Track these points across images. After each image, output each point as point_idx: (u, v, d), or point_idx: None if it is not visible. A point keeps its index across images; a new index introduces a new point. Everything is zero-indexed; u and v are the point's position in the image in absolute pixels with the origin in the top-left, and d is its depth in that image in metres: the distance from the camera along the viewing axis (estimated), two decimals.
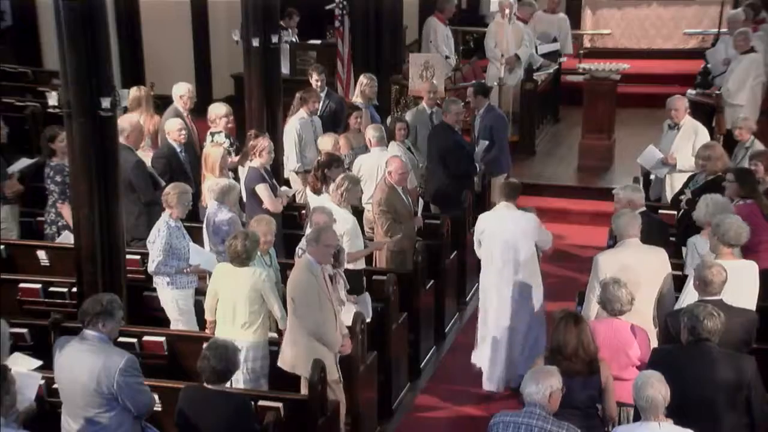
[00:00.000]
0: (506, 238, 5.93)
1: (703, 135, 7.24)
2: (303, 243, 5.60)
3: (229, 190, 6.18)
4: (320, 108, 8.37)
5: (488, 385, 6.15)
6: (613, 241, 5.62)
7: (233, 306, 5.28)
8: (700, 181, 6.43)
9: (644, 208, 5.70)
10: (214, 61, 12.13)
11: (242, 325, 5.27)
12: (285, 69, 9.80)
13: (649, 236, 5.26)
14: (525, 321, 6.03)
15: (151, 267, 5.82)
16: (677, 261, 5.70)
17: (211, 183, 6.37)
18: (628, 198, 5.75)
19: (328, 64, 9.36)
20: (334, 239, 5.19)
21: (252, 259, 5.32)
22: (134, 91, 7.79)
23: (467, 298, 7.61)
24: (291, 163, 7.84)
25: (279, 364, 5.18)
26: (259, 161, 6.74)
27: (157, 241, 5.80)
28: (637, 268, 5.03)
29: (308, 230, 6.05)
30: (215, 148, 6.84)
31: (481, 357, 6.21)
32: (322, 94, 8.46)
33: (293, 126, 7.86)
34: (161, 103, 8.38)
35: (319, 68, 8.55)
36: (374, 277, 6.18)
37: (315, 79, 8.43)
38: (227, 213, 6.12)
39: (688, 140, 7.19)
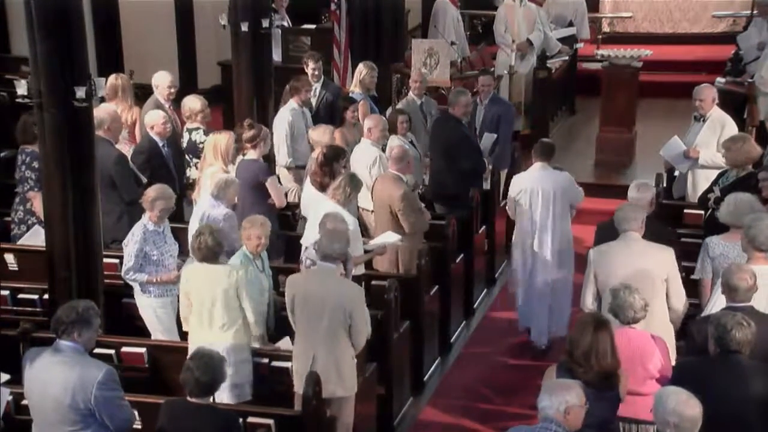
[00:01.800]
0: (544, 197, 6.62)
1: (731, 128, 7.21)
2: (311, 252, 5.51)
3: (228, 185, 6.16)
4: (316, 100, 8.37)
5: (538, 340, 6.90)
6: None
7: (209, 307, 5.27)
8: (730, 178, 6.42)
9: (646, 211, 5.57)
10: (199, 48, 12.13)
11: (221, 326, 5.26)
12: (276, 56, 9.79)
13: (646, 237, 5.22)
14: (561, 279, 6.75)
15: (123, 271, 5.84)
16: (688, 264, 5.66)
17: (215, 170, 6.32)
18: (631, 197, 5.77)
19: (324, 51, 9.38)
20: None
21: (222, 252, 5.32)
22: (111, 80, 7.78)
23: (475, 305, 7.62)
24: (282, 157, 7.83)
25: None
26: (259, 152, 6.76)
27: (130, 245, 5.81)
28: (633, 266, 5.02)
29: (307, 232, 6.07)
30: (223, 135, 6.77)
31: (528, 316, 6.93)
32: (318, 84, 8.44)
33: (284, 117, 7.83)
34: (141, 93, 8.40)
35: (316, 56, 8.53)
36: (373, 282, 6.18)
37: (311, 68, 8.41)
38: (224, 209, 6.10)
39: (714, 134, 7.17)
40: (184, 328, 5.50)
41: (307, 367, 5.04)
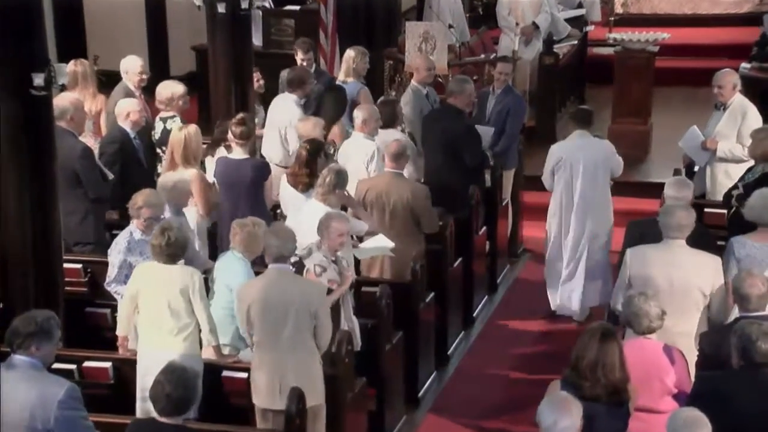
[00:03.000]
0: (586, 166, 7.02)
1: (753, 117, 7.19)
2: (319, 258, 5.52)
3: (178, 188, 6.20)
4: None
5: (578, 315, 7.37)
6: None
7: (160, 309, 5.27)
8: (756, 173, 6.41)
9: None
10: (171, 31, 12.10)
11: (170, 331, 5.26)
12: (257, 40, 9.77)
13: (693, 246, 5.23)
14: (602, 250, 7.18)
15: (106, 282, 5.85)
16: None
17: (165, 178, 6.37)
18: (669, 196, 5.77)
19: (309, 34, 9.36)
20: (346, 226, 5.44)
21: (182, 256, 5.32)
22: (73, 66, 7.76)
23: (475, 314, 7.61)
24: (279, 156, 7.80)
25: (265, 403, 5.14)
26: (249, 149, 6.79)
27: (113, 254, 5.82)
28: (674, 276, 5.05)
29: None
30: (190, 131, 6.75)
31: (562, 294, 7.36)
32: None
33: (286, 111, 7.77)
34: (107, 80, 8.37)
35: (305, 45, 8.50)
36: (364, 288, 6.18)
37: (300, 59, 8.40)
38: (168, 213, 6.10)
39: (734, 123, 7.17)
40: (119, 332, 5.50)
41: (275, 380, 5.08)
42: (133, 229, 5.82)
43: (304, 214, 6.16)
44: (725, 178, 7.13)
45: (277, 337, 5.09)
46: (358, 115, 7.29)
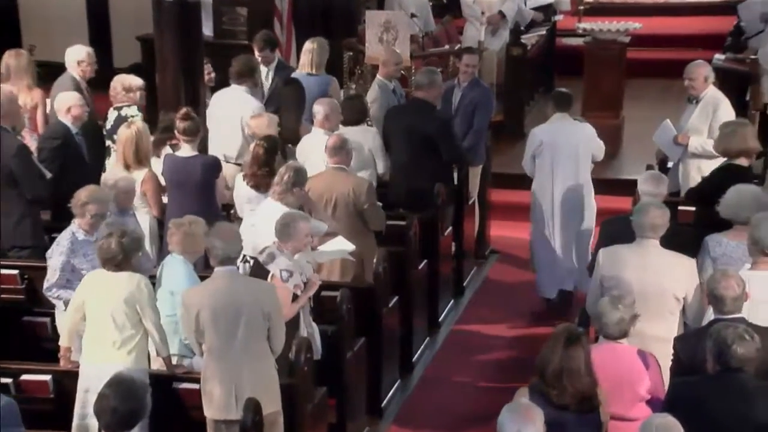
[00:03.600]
0: (569, 149, 7.25)
1: (725, 111, 7.27)
2: (282, 261, 5.50)
3: (122, 186, 6.16)
4: (268, 85, 8.35)
5: (546, 292, 7.67)
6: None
7: (103, 320, 5.22)
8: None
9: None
10: (114, 19, 11.98)
11: (113, 343, 5.21)
12: (207, 30, 9.72)
13: (666, 244, 5.28)
14: (585, 233, 7.39)
15: (45, 287, 5.76)
16: None
17: (108, 176, 6.30)
18: (644, 191, 5.83)
19: (263, 24, 9.32)
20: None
21: (130, 261, 5.28)
22: (8, 57, 7.70)
23: (441, 319, 7.63)
24: (231, 152, 7.75)
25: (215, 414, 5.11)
26: (195, 146, 6.74)
27: (54, 256, 5.73)
28: (646, 279, 5.09)
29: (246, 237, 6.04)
30: (140, 127, 6.69)
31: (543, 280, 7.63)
32: (271, 67, 8.42)
33: (241, 105, 7.74)
34: (44, 72, 8.26)
35: (261, 42, 8.45)
36: (323, 293, 6.16)
37: (262, 55, 8.38)
38: (114, 216, 6.06)
39: (706, 117, 7.26)
40: (61, 342, 5.44)
41: (229, 389, 5.06)
42: (76, 229, 5.75)
43: (259, 214, 6.13)
44: (698, 174, 7.21)
45: (229, 343, 5.08)
46: (320, 109, 7.26)
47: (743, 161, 6.40)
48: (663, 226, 5.23)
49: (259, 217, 6.08)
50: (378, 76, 8.43)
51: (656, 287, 5.11)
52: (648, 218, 5.21)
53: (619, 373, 4.54)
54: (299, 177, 6.17)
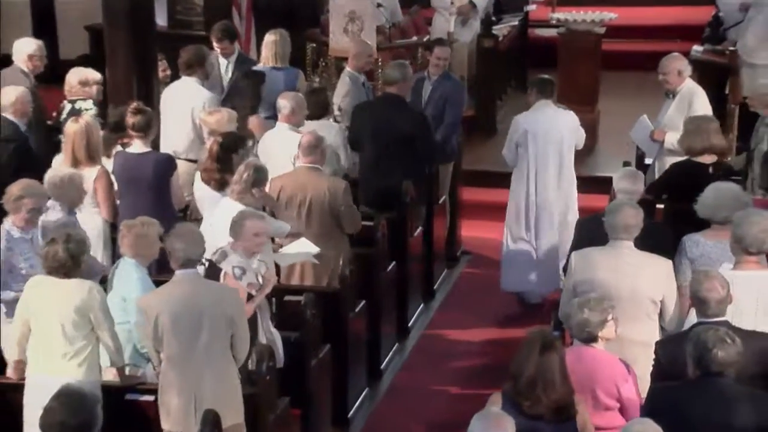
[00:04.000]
0: (554, 138, 7.41)
1: (699, 106, 7.34)
2: (234, 259, 5.51)
3: (67, 184, 6.08)
4: (229, 79, 8.32)
5: (533, 297, 7.80)
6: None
7: (51, 331, 5.16)
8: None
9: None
10: (59, 8, 11.84)
11: (63, 355, 5.16)
12: (161, 20, 9.66)
13: (642, 245, 5.33)
14: (570, 225, 7.34)
15: None
16: None
17: (54, 173, 6.23)
18: (620, 189, 5.88)
19: (221, 14, 9.27)
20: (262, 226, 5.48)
21: (79, 268, 5.24)
22: None
23: (410, 324, 7.65)
24: (184, 147, 7.72)
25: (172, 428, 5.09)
26: (148, 142, 6.71)
27: None
28: (620, 282, 5.11)
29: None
30: (89, 121, 6.64)
31: (516, 277, 7.69)
32: (231, 59, 8.40)
33: (192, 97, 7.72)
34: None
35: (218, 33, 8.42)
36: (286, 297, 6.16)
37: (221, 46, 8.35)
38: (59, 214, 6.01)
39: (681, 112, 7.33)
40: (10, 357, 5.38)
41: (189, 399, 5.04)
42: (10, 227, 5.69)
43: (217, 214, 6.11)
44: None
45: (190, 351, 5.06)
46: (285, 104, 7.24)
47: (707, 159, 6.49)
48: (636, 227, 5.26)
49: (217, 218, 6.05)
50: (348, 68, 8.43)
51: (631, 290, 5.15)
52: (621, 219, 5.24)
53: (580, 378, 4.56)
54: (259, 176, 6.15)
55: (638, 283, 5.17)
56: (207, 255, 5.82)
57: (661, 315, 5.26)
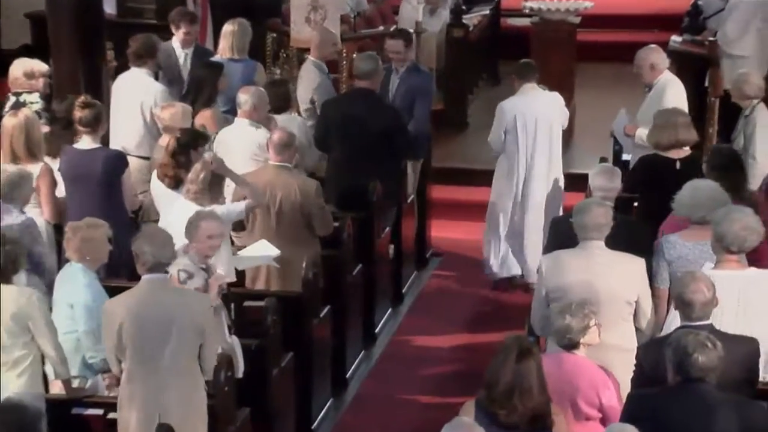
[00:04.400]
0: (544, 122, 7.66)
1: (673, 96, 7.41)
2: (184, 262, 5.49)
3: (20, 182, 6.04)
4: (187, 72, 8.30)
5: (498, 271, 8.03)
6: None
7: None
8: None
9: (611, 203, 5.77)
10: None
11: (2, 365, 5.10)
12: (109, 7, 9.59)
13: (617, 244, 5.36)
14: (555, 207, 7.79)
15: None
16: None
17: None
18: (596, 186, 5.92)
19: (174, 2, 9.22)
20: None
21: (18, 271, 5.18)
22: None
23: (377, 330, 7.66)
24: (135, 143, 7.66)
25: None
26: (97, 137, 6.68)
27: None
28: (593, 284, 5.14)
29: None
30: (29, 115, 6.58)
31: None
32: (188, 51, 8.37)
33: (142, 90, 7.67)
34: None
35: (189, 15, 8.44)
36: (246, 303, 6.14)
37: (184, 32, 8.31)
38: (17, 214, 5.96)
39: (655, 106, 7.39)
40: None
41: (152, 415, 5.00)
42: None
43: (173, 215, 6.09)
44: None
45: (155, 362, 5.02)
46: (246, 98, 7.21)
47: (673, 154, 6.58)
48: (607, 225, 5.29)
49: (172, 219, 6.02)
50: (311, 58, 8.41)
51: (605, 293, 5.16)
52: (590, 218, 5.27)
53: (561, 386, 4.59)
54: (217, 175, 6.13)
55: (613, 285, 5.21)
56: None
57: (635, 317, 5.30)
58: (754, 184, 6.93)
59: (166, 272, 5.25)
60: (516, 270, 8.00)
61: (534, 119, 7.66)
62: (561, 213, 7.66)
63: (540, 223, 7.80)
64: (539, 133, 7.70)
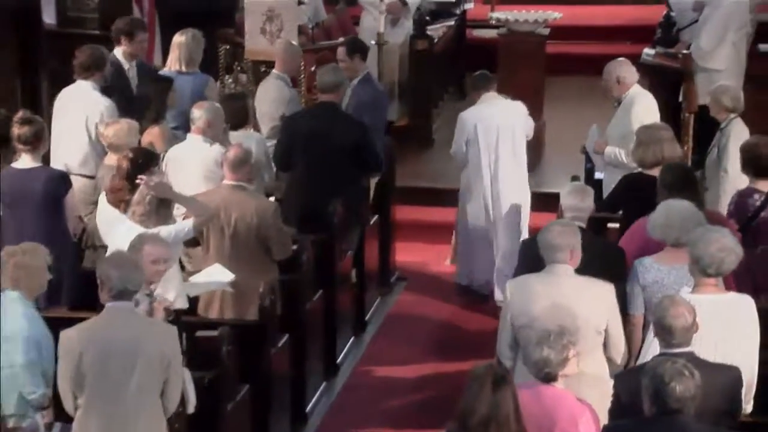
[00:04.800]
0: (507, 131, 7.90)
1: (641, 109, 7.48)
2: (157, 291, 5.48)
3: None
4: (136, 86, 8.27)
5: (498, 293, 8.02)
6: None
7: None
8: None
9: (583, 224, 5.82)
10: None
11: None
12: (48, 18, 9.52)
13: (589, 268, 5.36)
14: (516, 223, 8.06)
15: None
16: None
17: None
18: (568, 206, 5.95)
19: (119, 10, 9.17)
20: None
21: None
22: None
23: (339, 360, 7.64)
24: (78, 162, 7.61)
25: None
26: (38, 156, 6.64)
27: None
28: (559, 312, 5.12)
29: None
30: None
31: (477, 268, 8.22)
32: (131, 64, 8.34)
33: (88, 104, 7.63)
34: None
35: (139, 25, 8.41)
36: (199, 333, 6.09)
37: (139, 40, 8.29)
38: None
39: (623, 121, 7.52)
40: None
41: None
42: None
43: (118, 239, 6.03)
44: None
45: (118, 397, 4.94)
46: (201, 113, 7.18)
47: (657, 172, 6.49)
48: (568, 246, 5.24)
49: (119, 243, 5.97)
50: (276, 72, 8.44)
51: (572, 321, 5.09)
52: (553, 238, 5.26)
53: (539, 420, 4.59)
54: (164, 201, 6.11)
55: (581, 312, 5.17)
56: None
57: (606, 347, 5.29)
58: (725, 198, 7.02)
59: (133, 300, 5.17)
60: (485, 285, 8.24)
61: (496, 128, 7.90)
62: (527, 226, 8.05)
63: (512, 235, 7.99)
64: (502, 142, 7.92)
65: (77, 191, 7.11)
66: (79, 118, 7.62)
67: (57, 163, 7.52)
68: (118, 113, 7.67)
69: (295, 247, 6.94)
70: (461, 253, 8.33)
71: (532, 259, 5.71)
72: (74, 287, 6.42)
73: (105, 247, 6.43)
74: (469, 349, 7.56)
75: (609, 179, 7.55)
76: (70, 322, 5.32)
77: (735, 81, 8.87)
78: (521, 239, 7.83)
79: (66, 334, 5.07)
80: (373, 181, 8.46)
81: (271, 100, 8.29)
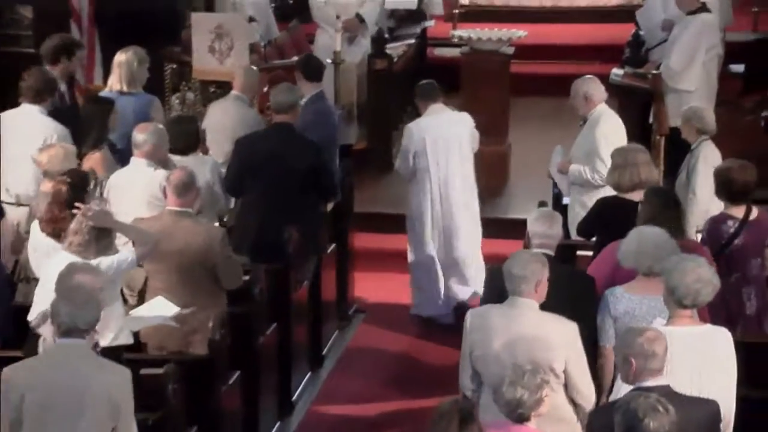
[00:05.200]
0: (453, 143, 8.18)
1: (608, 128, 7.60)
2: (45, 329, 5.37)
3: None
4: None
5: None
6: None
7: None
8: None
9: (551, 252, 5.82)
10: None
11: None
12: None
13: (557, 298, 5.34)
14: (475, 232, 8.38)
15: None
16: None
17: None
18: (535, 233, 5.96)
19: (56, 27, 9.13)
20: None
21: None
22: None
23: (294, 397, 7.61)
24: (26, 190, 7.54)
25: None
26: None
27: None
28: (516, 349, 5.10)
29: (38, 299, 5.87)
30: None
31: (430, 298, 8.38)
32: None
33: (41, 131, 7.56)
34: None
35: (78, 44, 8.48)
36: (143, 370, 6.01)
37: (79, 57, 8.35)
38: None
39: (588, 139, 7.66)
40: None
41: None
42: None
43: (51, 270, 5.94)
44: (581, 209, 7.46)
45: None
46: (145, 137, 7.15)
47: (635, 196, 6.60)
48: (536, 279, 5.21)
49: (52, 274, 5.88)
50: (236, 92, 8.46)
51: (529, 360, 4.99)
52: (519, 269, 5.22)
53: None
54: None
55: (537, 352, 5.11)
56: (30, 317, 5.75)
57: (568, 389, 5.24)
58: (692, 221, 7.09)
59: (84, 338, 5.04)
60: (445, 316, 8.35)
61: (444, 139, 8.17)
62: (480, 243, 8.38)
63: (467, 251, 8.30)
64: (451, 153, 8.20)
65: (24, 222, 7.03)
66: (30, 146, 7.50)
67: (5, 194, 7.46)
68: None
69: (247, 277, 6.92)
70: (414, 281, 8.46)
71: (498, 288, 5.71)
72: (5, 323, 6.30)
73: (38, 280, 6.34)
74: (431, 384, 7.57)
75: (573, 199, 7.69)
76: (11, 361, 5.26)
77: (706, 102, 8.98)
78: (478, 262, 8.25)
79: (7, 373, 4.97)
80: (330, 207, 8.47)
81: (232, 121, 8.27)
